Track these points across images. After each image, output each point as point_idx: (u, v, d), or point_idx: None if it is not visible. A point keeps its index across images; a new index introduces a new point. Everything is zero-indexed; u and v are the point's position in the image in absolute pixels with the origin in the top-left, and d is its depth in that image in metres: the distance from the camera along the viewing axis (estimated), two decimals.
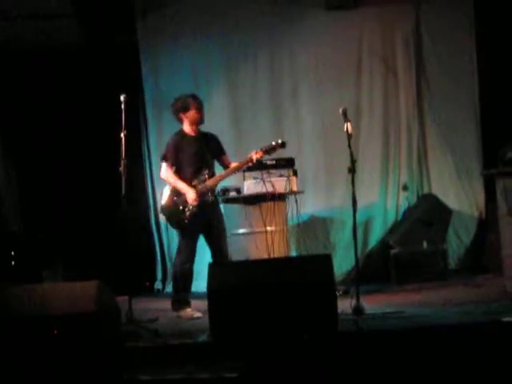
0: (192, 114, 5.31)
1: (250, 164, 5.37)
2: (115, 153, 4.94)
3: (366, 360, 3.83)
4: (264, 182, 5.89)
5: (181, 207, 5.21)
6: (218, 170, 5.48)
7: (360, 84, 7.08)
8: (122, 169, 4.86)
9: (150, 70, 7.20)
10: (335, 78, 7.04)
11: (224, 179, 5.45)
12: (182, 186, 5.24)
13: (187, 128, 5.37)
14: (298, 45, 7.14)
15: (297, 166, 6.16)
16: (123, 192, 4.84)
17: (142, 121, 7.22)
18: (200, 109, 5.34)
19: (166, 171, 5.32)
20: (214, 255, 5.33)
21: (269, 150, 5.30)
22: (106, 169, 5.71)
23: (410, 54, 7.03)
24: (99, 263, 6.35)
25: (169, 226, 5.60)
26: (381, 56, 7.07)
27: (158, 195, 7.20)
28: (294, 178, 6.05)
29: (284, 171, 6.03)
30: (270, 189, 5.86)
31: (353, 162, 4.81)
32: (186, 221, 5.20)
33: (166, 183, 5.37)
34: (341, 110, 4.91)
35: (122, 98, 4.94)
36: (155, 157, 7.20)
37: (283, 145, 5.30)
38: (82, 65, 6.85)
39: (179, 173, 5.28)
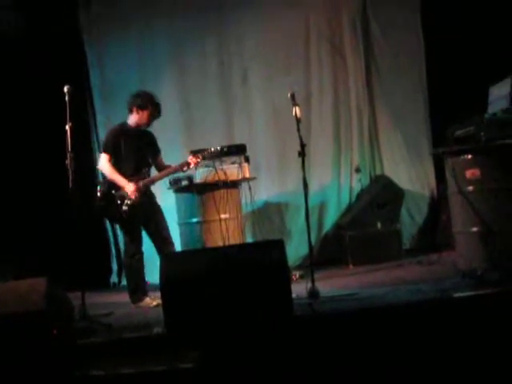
0: (146, 114, 5.30)
1: (186, 169, 5.40)
2: (63, 146, 4.84)
3: (322, 343, 3.85)
4: (216, 169, 5.84)
5: (118, 201, 5.18)
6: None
7: (309, 67, 7.06)
8: (68, 162, 4.76)
9: (95, 60, 7.03)
10: (284, 62, 7.02)
11: (160, 180, 5.50)
12: (121, 179, 5.20)
13: (132, 122, 5.35)
14: (245, 29, 7.08)
15: (248, 152, 6.13)
16: (71, 185, 4.75)
17: (89, 112, 7.06)
18: (155, 116, 5.35)
19: (105, 162, 5.26)
20: (158, 246, 5.29)
21: (205, 156, 5.42)
22: (54, 163, 5.57)
23: (358, 36, 7.05)
24: (52, 260, 6.22)
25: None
26: (328, 38, 7.06)
27: None
28: (246, 165, 6.03)
29: (236, 158, 6.00)
30: (222, 176, 5.82)
31: (302, 145, 4.81)
32: (125, 215, 5.18)
33: (104, 174, 5.33)
34: (289, 94, 4.91)
35: (65, 89, 4.82)
36: None
37: (222, 151, 5.48)
38: (25, 56, 6.65)
39: (118, 167, 5.24)
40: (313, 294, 4.63)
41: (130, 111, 5.34)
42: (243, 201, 6.06)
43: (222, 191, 5.86)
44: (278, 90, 6.68)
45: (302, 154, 4.82)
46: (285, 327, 3.93)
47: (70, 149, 4.78)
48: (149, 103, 5.29)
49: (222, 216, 5.80)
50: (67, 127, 4.81)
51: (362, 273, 5.92)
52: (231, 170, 5.95)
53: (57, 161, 5.17)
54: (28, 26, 6.61)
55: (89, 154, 6.97)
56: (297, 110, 4.85)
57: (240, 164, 5.99)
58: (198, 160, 5.37)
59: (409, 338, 3.87)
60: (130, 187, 5.18)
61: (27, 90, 6.57)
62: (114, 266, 7.12)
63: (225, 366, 3.73)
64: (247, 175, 6.01)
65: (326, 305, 4.40)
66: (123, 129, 5.35)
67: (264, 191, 6.85)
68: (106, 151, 5.28)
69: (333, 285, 5.30)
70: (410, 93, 7.08)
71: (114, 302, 5.74)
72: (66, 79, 5.04)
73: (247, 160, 6.07)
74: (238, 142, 6.26)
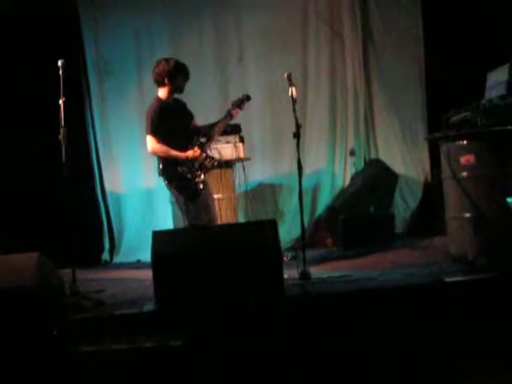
0: (178, 80, 4.99)
1: (230, 120, 5.24)
2: (57, 121, 4.80)
3: (312, 324, 3.87)
4: (210, 149, 5.81)
5: (189, 175, 4.93)
6: None
7: (306, 49, 7.03)
8: (61, 137, 4.73)
9: (91, 37, 6.99)
10: (281, 43, 6.97)
11: (215, 137, 5.28)
12: (179, 153, 4.91)
13: (165, 95, 5.01)
14: (243, 10, 7.03)
15: (243, 132, 6.11)
16: (64, 161, 4.72)
17: (84, 88, 7.00)
18: (186, 79, 5.05)
19: (155, 144, 4.88)
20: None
21: (240, 104, 5.18)
22: (47, 138, 5.52)
23: (356, 18, 7.00)
24: (43, 236, 6.19)
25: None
26: (327, 20, 7.02)
27: (103, 164, 7.08)
28: (240, 145, 6.02)
29: (230, 138, 5.98)
30: (216, 156, 5.79)
31: (297, 126, 4.79)
32: (202, 185, 4.96)
33: (157, 156, 4.95)
34: (285, 75, 4.88)
35: (59, 63, 4.77)
36: (99, 125, 7.05)
37: (248, 98, 5.22)
38: (20, 30, 6.58)
39: (171, 145, 4.91)
40: (304, 275, 4.63)
41: (162, 84, 4.98)
42: (237, 181, 6.05)
43: (215, 171, 5.81)
44: (275, 70, 6.62)
45: (297, 135, 4.80)
46: (276, 307, 3.94)
47: (63, 124, 4.75)
48: (180, 66, 4.99)
49: (216, 196, 5.77)
50: (60, 102, 4.77)
51: (354, 256, 5.90)
52: (225, 149, 5.93)
53: (50, 136, 5.12)
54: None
55: (82, 129, 6.94)
56: (293, 91, 4.83)
57: (235, 144, 5.97)
58: (239, 111, 5.18)
59: (399, 321, 3.89)
60: (191, 153, 4.92)
61: (21, 64, 6.51)
62: (106, 244, 7.10)
63: (214, 345, 3.74)
64: (241, 155, 6.00)
65: (317, 286, 4.40)
66: (162, 105, 4.98)
67: (258, 172, 6.83)
68: (152, 133, 4.88)
69: (324, 267, 5.31)
70: (407, 77, 7.05)
71: (105, 279, 5.73)
72: (60, 54, 4.99)
73: (242, 140, 6.06)
74: (232, 121, 6.22)
